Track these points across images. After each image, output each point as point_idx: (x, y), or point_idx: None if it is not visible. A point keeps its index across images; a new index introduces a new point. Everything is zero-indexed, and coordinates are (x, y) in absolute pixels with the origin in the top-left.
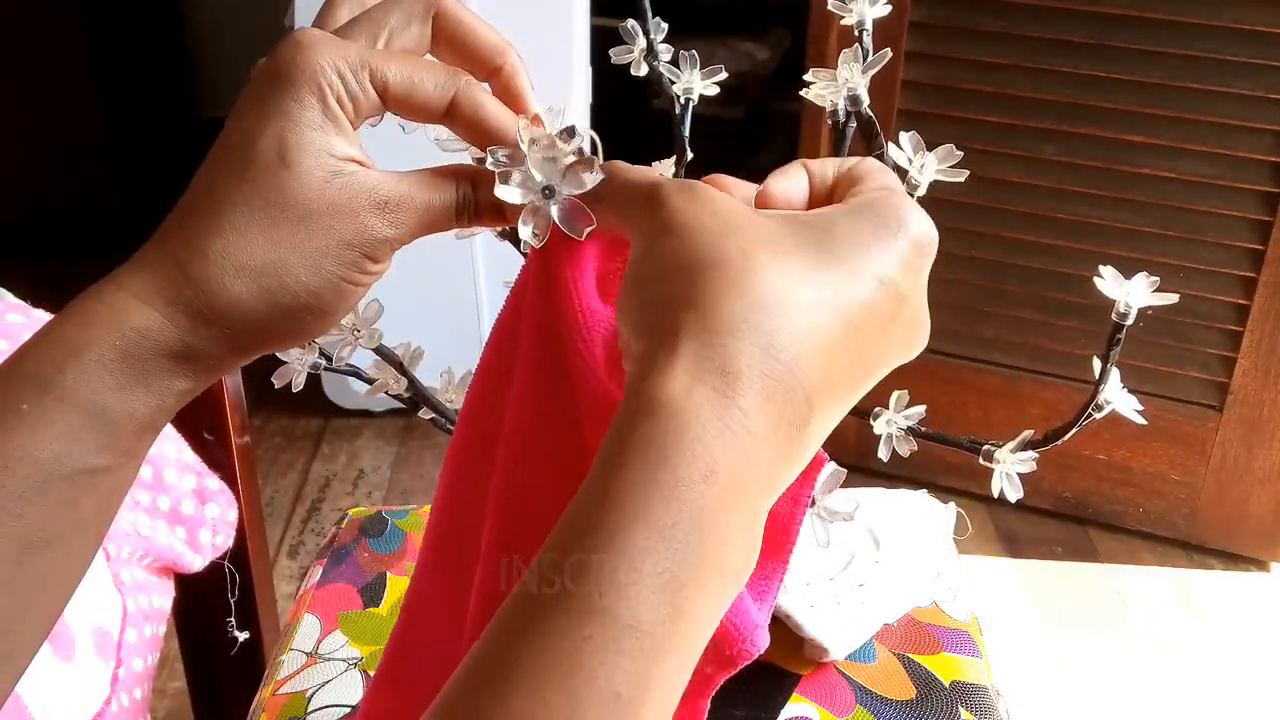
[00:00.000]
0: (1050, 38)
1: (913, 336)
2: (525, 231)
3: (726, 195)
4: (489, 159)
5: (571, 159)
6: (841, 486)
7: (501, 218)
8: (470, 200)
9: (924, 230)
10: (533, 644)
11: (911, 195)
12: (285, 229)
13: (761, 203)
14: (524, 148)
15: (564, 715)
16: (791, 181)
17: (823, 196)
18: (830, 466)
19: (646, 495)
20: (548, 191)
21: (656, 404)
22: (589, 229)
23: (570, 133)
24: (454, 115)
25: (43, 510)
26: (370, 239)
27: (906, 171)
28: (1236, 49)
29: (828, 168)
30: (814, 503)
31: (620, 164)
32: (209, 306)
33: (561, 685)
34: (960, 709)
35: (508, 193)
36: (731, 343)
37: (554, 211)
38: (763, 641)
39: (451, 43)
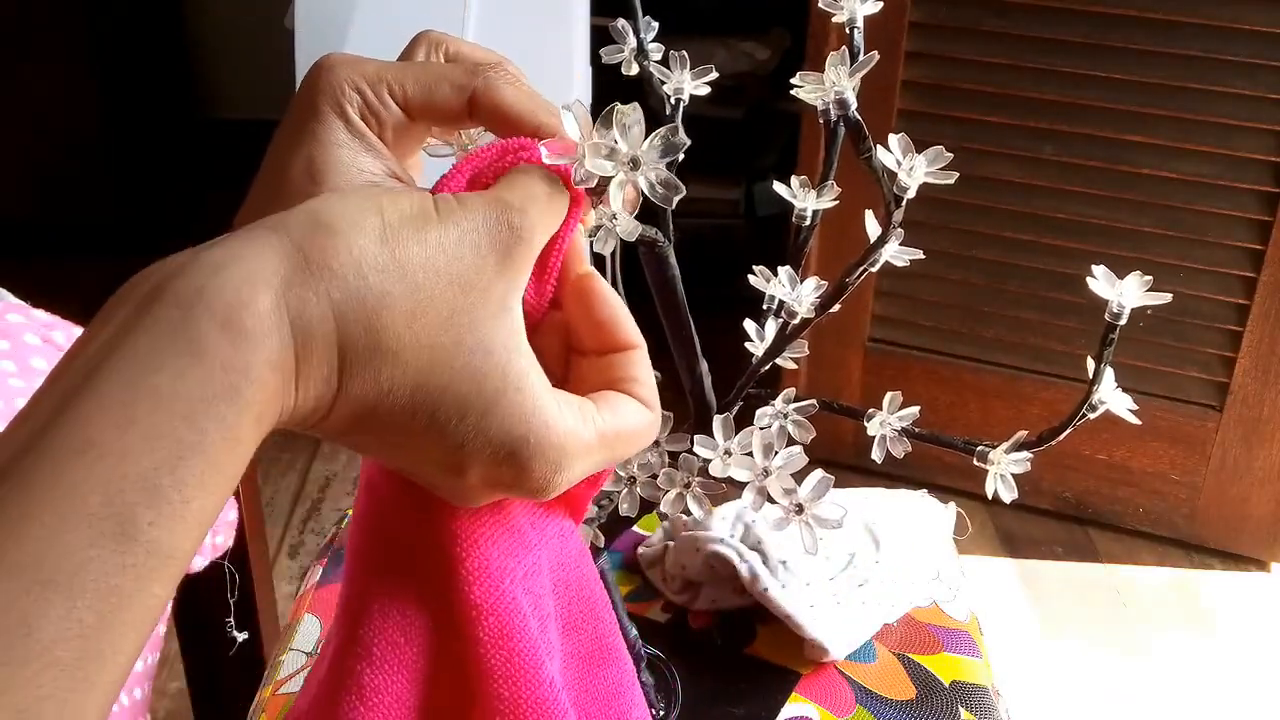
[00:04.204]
0: (1050, 38)
1: (440, 476)
2: (616, 203)
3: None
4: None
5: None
6: (842, 486)
7: None
8: None
9: (543, 485)
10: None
11: (900, 198)
12: None
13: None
14: (590, 131)
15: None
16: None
17: (587, 338)
18: (817, 474)
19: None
20: (633, 163)
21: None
22: (678, 197)
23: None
24: (476, 112)
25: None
26: None
27: (895, 174)
28: (1236, 49)
29: (614, 321)
30: (801, 510)
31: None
32: None
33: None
34: (960, 709)
35: (599, 165)
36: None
37: (642, 183)
38: None
39: (489, 120)
